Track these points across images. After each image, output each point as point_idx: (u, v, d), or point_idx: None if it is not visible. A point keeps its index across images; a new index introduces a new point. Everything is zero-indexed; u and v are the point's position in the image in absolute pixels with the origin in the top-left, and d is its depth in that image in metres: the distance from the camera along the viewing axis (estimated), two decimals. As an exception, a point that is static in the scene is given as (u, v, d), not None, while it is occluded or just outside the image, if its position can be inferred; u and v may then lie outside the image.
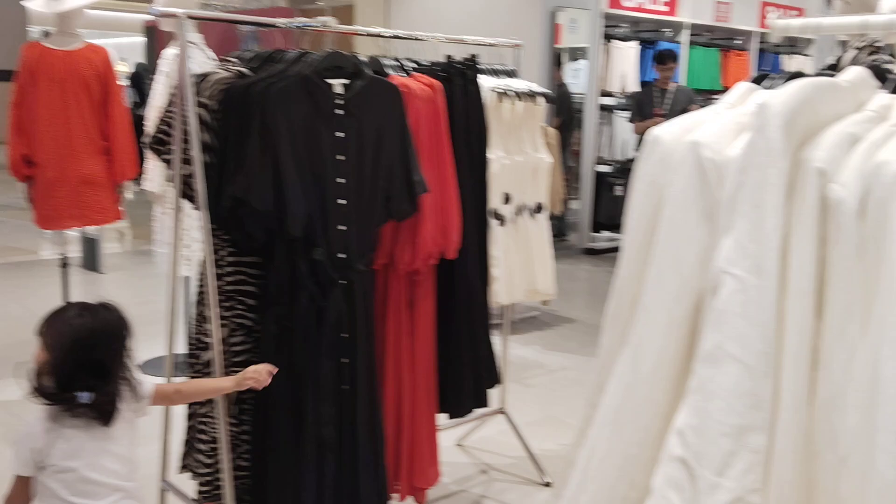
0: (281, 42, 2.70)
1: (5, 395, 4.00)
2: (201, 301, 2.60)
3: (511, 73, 3.01)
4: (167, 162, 2.56)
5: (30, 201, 4.05)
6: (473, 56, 2.70)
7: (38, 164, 3.92)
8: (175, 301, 2.67)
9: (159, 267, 4.31)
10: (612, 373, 1.45)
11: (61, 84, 3.88)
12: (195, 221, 3.74)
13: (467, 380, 2.73)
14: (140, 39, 18.18)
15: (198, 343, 2.62)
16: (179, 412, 2.65)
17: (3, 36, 17.32)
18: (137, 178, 4.19)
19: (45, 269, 6.79)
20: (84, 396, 1.85)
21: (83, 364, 1.87)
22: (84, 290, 6.04)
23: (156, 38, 16.07)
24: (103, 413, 1.88)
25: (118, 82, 4.05)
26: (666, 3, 7.94)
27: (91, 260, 6.63)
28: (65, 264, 4.24)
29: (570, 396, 4.26)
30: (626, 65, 7.76)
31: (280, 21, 2.41)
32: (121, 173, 4.08)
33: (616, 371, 1.43)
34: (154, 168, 4.07)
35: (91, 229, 6.26)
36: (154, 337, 4.92)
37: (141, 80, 14.25)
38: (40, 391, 1.85)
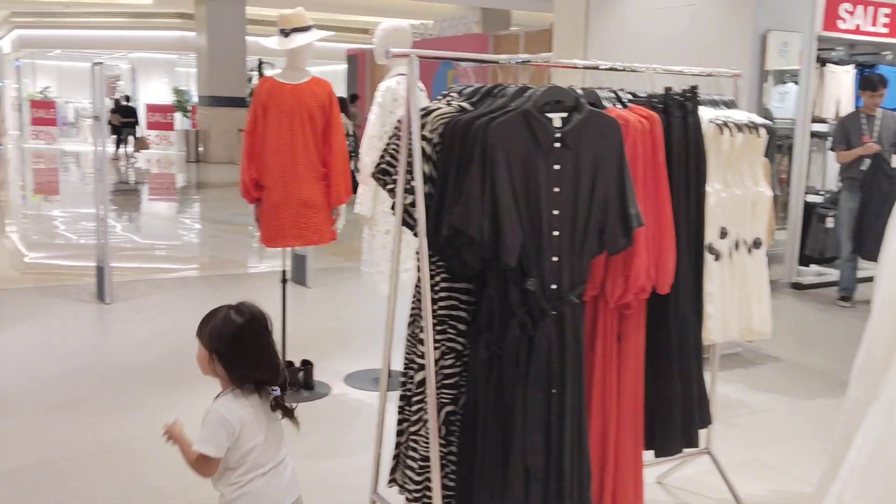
0: (474, 74, 2.78)
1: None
2: (414, 322, 2.72)
3: (730, 104, 2.93)
4: (391, 191, 2.71)
5: (256, 221, 4.40)
6: (694, 87, 2.65)
7: (265, 187, 4.26)
8: (388, 321, 2.79)
9: (364, 285, 4.53)
10: (860, 427, 1.36)
11: (289, 115, 4.19)
12: (409, 248, 3.92)
13: (677, 418, 2.67)
14: (342, 67, 19.32)
15: (409, 363, 2.73)
16: (390, 425, 2.76)
17: (230, 67, 19.00)
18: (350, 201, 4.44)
19: (256, 281, 7.34)
20: (276, 391, 2.16)
21: (247, 357, 2.13)
22: (295, 302, 6.46)
23: (357, 67, 16.99)
24: (282, 404, 2.20)
25: (339, 113, 4.32)
26: (885, 25, 7.39)
27: (300, 274, 7.09)
28: (285, 279, 4.56)
29: (778, 439, 4.03)
30: (840, 90, 7.29)
31: (502, 57, 2.49)
32: (337, 197, 4.34)
33: (866, 425, 1.35)
34: (364, 193, 4.29)
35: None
36: (355, 351, 5.21)
37: (344, 106, 15.28)
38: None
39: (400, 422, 2.74)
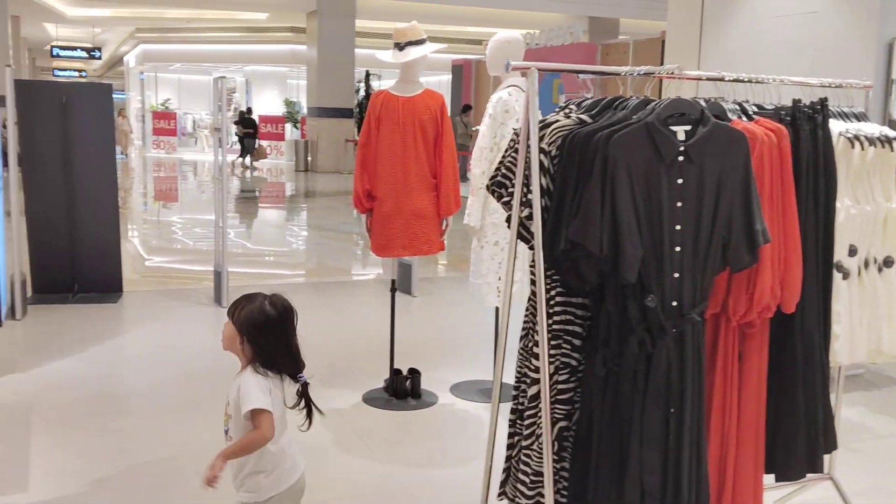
0: (582, 85, 2.75)
1: (337, 403, 4.43)
2: (527, 335, 2.71)
3: (860, 116, 2.80)
4: (506, 204, 2.71)
5: (368, 231, 4.49)
6: (823, 100, 2.55)
7: (377, 198, 4.34)
8: (501, 333, 2.79)
9: (471, 296, 4.54)
10: None
11: (402, 127, 4.27)
12: (519, 260, 3.92)
13: (801, 442, 2.56)
14: (446, 77, 19.52)
15: (522, 377, 2.72)
16: (501, 436, 2.75)
17: (338, 79, 19.49)
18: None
19: (361, 288, 7.49)
20: (303, 378, 2.39)
21: (275, 345, 2.35)
22: (400, 310, 6.55)
23: (462, 77, 17.13)
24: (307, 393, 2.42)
25: (451, 125, 4.37)
26: None
27: (406, 283, 7.18)
28: (394, 288, 4.63)
29: (904, 468, 3.83)
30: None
31: (622, 70, 2.46)
32: (446, 208, 4.39)
33: None
34: (474, 204, 4.32)
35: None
36: (461, 361, 5.24)
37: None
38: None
39: (511, 435, 2.73)
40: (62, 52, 26.90)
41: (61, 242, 6.51)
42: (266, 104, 27.70)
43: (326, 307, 6.70)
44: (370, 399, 4.50)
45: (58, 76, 32.34)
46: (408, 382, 4.53)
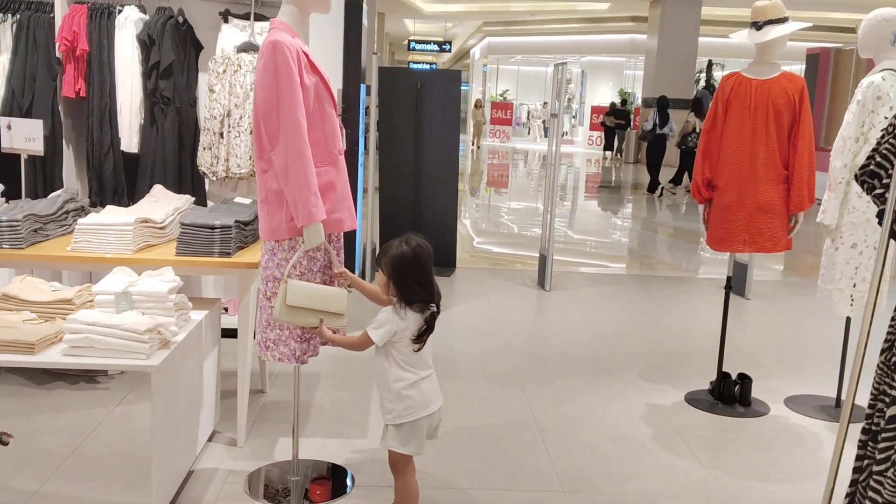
0: None
1: (657, 399, 4.28)
2: (890, 349, 2.38)
3: None
4: (878, 197, 2.39)
5: (704, 222, 4.25)
6: None
7: (718, 188, 4.09)
8: (859, 344, 2.46)
9: (818, 303, 4.12)
10: None
11: (753, 112, 3.96)
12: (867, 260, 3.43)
13: None
14: (797, 67, 17.97)
15: (879, 395, 2.40)
16: (825, 461, 2.45)
17: (678, 69, 18.91)
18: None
19: (689, 286, 7.16)
20: (433, 307, 2.67)
21: (413, 279, 2.63)
22: (731, 312, 6.16)
23: (817, 66, 15.64)
24: (434, 320, 2.68)
25: (810, 112, 3.97)
26: None
27: (739, 284, 6.74)
28: (729, 286, 4.35)
29: None
30: None
31: None
32: (798, 203, 4.00)
33: None
34: (830, 200, 3.90)
35: (743, 255, 6.38)
36: (799, 373, 4.79)
37: (701, 104, 14.24)
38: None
39: (859, 458, 2.44)
40: (417, 46, 29.25)
41: (406, 218, 7.06)
42: (601, 95, 27.73)
43: (647, 301, 6.52)
44: (693, 399, 4.28)
45: (412, 69, 35.26)
46: (737, 388, 4.24)
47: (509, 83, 32.95)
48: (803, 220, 4.13)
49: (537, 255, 7.04)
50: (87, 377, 2.65)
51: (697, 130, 13.38)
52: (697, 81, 21.17)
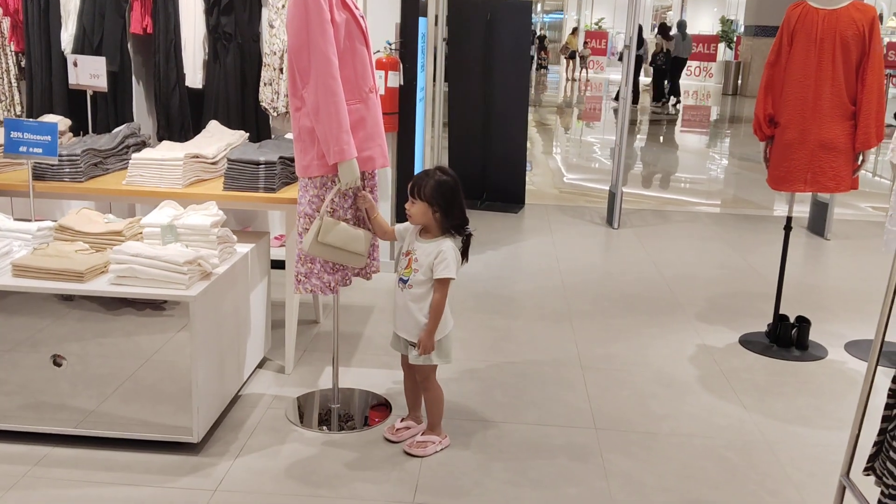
0: None
1: (710, 339, 4.21)
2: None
3: None
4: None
5: (764, 161, 4.09)
6: None
7: (780, 124, 3.91)
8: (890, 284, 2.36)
9: (884, 245, 3.93)
10: None
11: (819, 44, 3.75)
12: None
13: None
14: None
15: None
16: (876, 408, 2.38)
17: (776, -6, 17.89)
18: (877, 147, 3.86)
19: (769, 225, 6.91)
20: (469, 230, 2.86)
21: (458, 206, 2.81)
22: (806, 253, 5.95)
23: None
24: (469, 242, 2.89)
25: (881, 45, 3.73)
26: None
27: (819, 224, 6.48)
28: (788, 227, 4.20)
29: None
30: None
31: None
32: (864, 141, 3.80)
33: None
34: (902, 137, 3.69)
35: (824, 194, 6.10)
36: (865, 317, 4.61)
37: (666, 28, 14.45)
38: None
39: (889, 406, 2.36)
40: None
41: (475, 153, 7.04)
42: (700, 23, 26.52)
43: (719, 240, 6.34)
44: (748, 342, 4.20)
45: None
46: (794, 331, 4.13)
47: (606, 11, 31.88)
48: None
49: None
50: (154, 305, 2.81)
51: (664, 50, 16.63)
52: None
